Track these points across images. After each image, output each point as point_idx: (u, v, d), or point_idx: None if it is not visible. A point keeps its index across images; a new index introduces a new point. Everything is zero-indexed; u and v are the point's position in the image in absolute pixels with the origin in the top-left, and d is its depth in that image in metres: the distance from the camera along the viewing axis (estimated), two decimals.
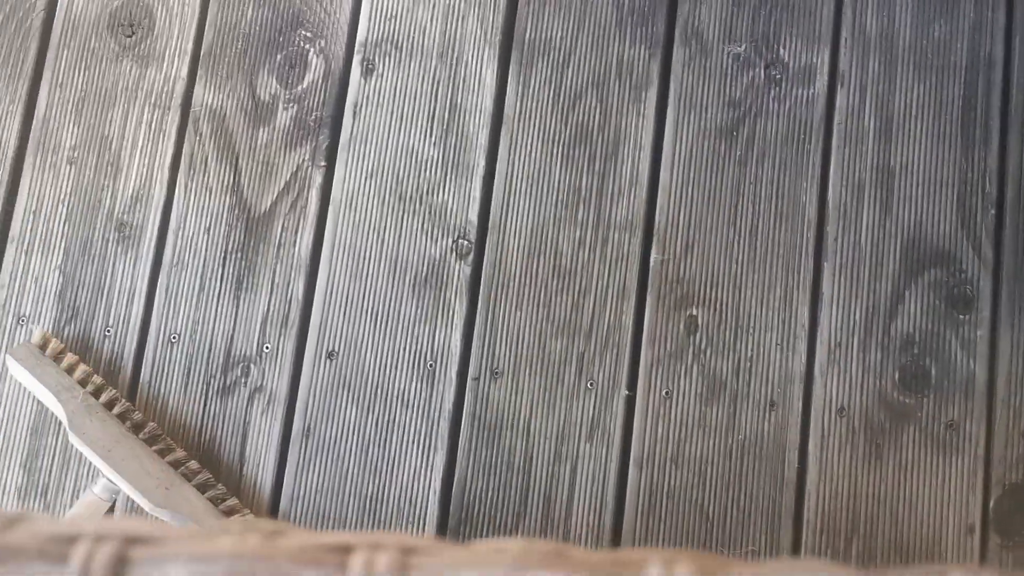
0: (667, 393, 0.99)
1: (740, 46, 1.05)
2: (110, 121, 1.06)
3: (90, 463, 0.98)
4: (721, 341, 1.00)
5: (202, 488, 0.97)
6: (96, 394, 0.98)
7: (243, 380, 1.01)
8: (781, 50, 1.05)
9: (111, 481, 0.95)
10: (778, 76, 1.04)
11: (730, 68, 1.05)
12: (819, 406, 0.98)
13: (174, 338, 1.02)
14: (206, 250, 1.04)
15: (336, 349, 1.01)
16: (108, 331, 1.02)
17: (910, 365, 0.98)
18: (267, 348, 1.02)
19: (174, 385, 1.01)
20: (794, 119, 1.04)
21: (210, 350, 1.02)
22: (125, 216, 1.04)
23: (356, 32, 1.07)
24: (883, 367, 0.98)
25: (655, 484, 0.98)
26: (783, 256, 1.01)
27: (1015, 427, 0.96)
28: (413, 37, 1.08)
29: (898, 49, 1.04)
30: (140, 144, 1.05)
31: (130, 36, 1.08)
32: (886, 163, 1.02)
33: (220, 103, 1.06)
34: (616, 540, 0.97)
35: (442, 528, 0.98)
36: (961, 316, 0.98)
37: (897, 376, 0.98)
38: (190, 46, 1.07)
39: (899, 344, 0.98)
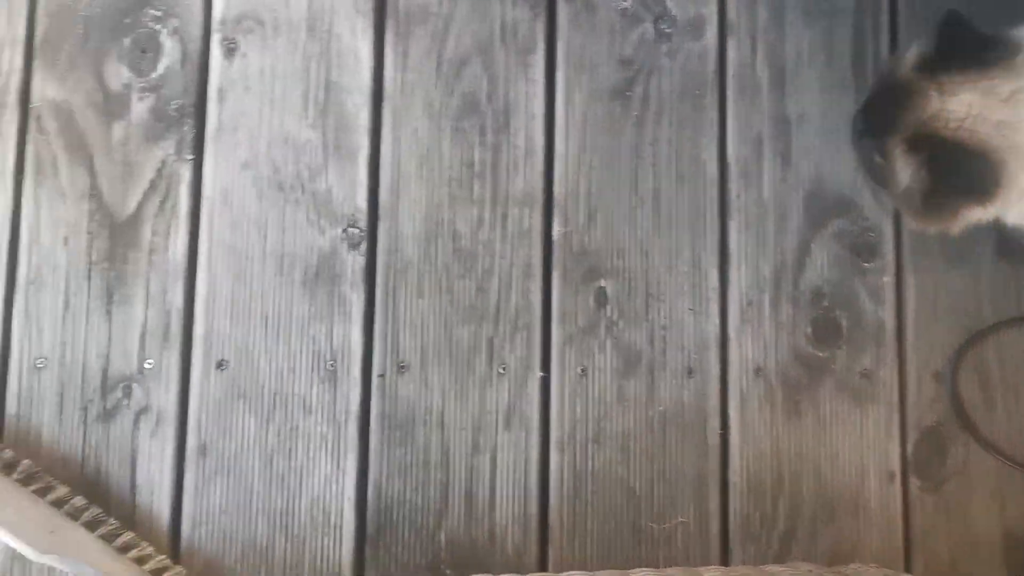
0: (582, 370, 0.95)
1: (626, 0, 1.01)
2: None
3: None
4: (633, 311, 0.97)
5: (92, 526, 0.88)
6: None
7: (126, 402, 0.92)
8: (668, 2, 1.01)
9: None
10: (668, 30, 1.00)
11: (618, 24, 1.00)
12: (736, 368, 0.96)
13: (40, 363, 0.92)
14: (67, 263, 0.93)
15: (226, 358, 0.93)
16: None
17: (821, 318, 0.97)
18: (149, 364, 0.93)
19: (46, 415, 0.91)
20: (687, 74, 1.00)
21: (84, 372, 0.92)
22: None
23: (212, 8, 0.98)
24: (795, 322, 0.97)
25: (578, 466, 0.94)
26: (688, 218, 0.98)
27: (926, 370, 0.97)
28: (277, 11, 0.98)
29: None
30: None
31: None
32: (782, 114, 0.99)
33: (65, 97, 0.95)
34: (543, 527, 0.94)
35: (360, 537, 0.92)
36: (866, 264, 0.98)
37: (810, 330, 0.97)
38: (21, 32, 0.95)
39: (809, 298, 0.97)
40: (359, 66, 0.98)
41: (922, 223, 0.87)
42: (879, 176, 0.86)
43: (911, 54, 0.84)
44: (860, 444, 0.95)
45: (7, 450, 0.89)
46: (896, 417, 0.96)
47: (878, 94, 0.87)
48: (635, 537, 0.93)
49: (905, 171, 0.83)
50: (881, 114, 0.85)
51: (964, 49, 0.81)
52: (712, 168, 0.99)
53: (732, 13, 1.01)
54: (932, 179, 0.82)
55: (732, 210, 0.98)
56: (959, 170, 0.81)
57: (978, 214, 0.83)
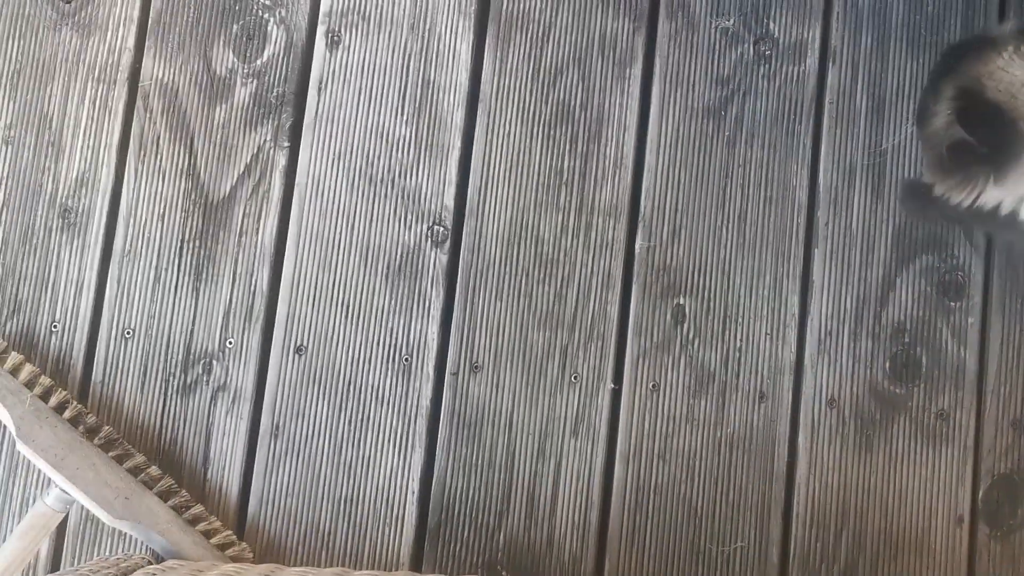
0: (654, 386, 0.96)
1: (728, 20, 1.00)
2: (50, 96, 0.97)
3: (41, 472, 0.91)
4: (709, 331, 0.96)
5: (164, 496, 0.90)
6: (44, 397, 0.91)
7: (205, 377, 0.95)
8: (771, 24, 1.00)
9: (64, 491, 0.88)
10: (768, 52, 1.00)
11: (718, 43, 1.00)
12: (809, 397, 0.95)
13: (128, 333, 0.95)
14: (161, 238, 0.96)
15: (305, 343, 0.95)
16: (55, 327, 0.94)
17: (901, 354, 0.96)
18: (230, 343, 0.95)
19: (130, 384, 0.94)
20: (784, 98, 0.99)
21: (168, 346, 0.95)
22: (70, 201, 0.96)
23: (319, 1, 0.99)
24: (874, 356, 0.96)
25: (642, 480, 0.94)
26: (773, 242, 0.97)
27: (1004, 417, 0.95)
28: (382, 7, 1.00)
29: (891, 25, 1.00)
30: (84, 122, 0.97)
31: (68, 2, 0.98)
32: (878, 145, 0.98)
33: (172, 77, 0.98)
34: (602, 538, 0.94)
35: (421, 530, 0.94)
36: (952, 303, 0.96)
37: (888, 366, 0.96)
38: (136, 13, 0.98)
39: (890, 333, 0.96)
40: (457, 66, 0.99)
41: (933, 175, 0.86)
42: (924, 115, 0.86)
43: (1018, 20, 0.84)
44: (930, 485, 0.94)
45: (91, 415, 0.92)
46: (970, 461, 0.94)
47: (963, 41, 0.88)
48: (693, 556, 0.93)
49: (942, 115, 0.83)
50: (952, 57, 0.86)
51: None
52: (802, 194, 0.98)
53: (835, 39, 1.00)
54: (959, 129, 0.82)
55: (818, 238, 0.97)
56: (984, 128, 0.81)
57: (990, 194, 0.82)
